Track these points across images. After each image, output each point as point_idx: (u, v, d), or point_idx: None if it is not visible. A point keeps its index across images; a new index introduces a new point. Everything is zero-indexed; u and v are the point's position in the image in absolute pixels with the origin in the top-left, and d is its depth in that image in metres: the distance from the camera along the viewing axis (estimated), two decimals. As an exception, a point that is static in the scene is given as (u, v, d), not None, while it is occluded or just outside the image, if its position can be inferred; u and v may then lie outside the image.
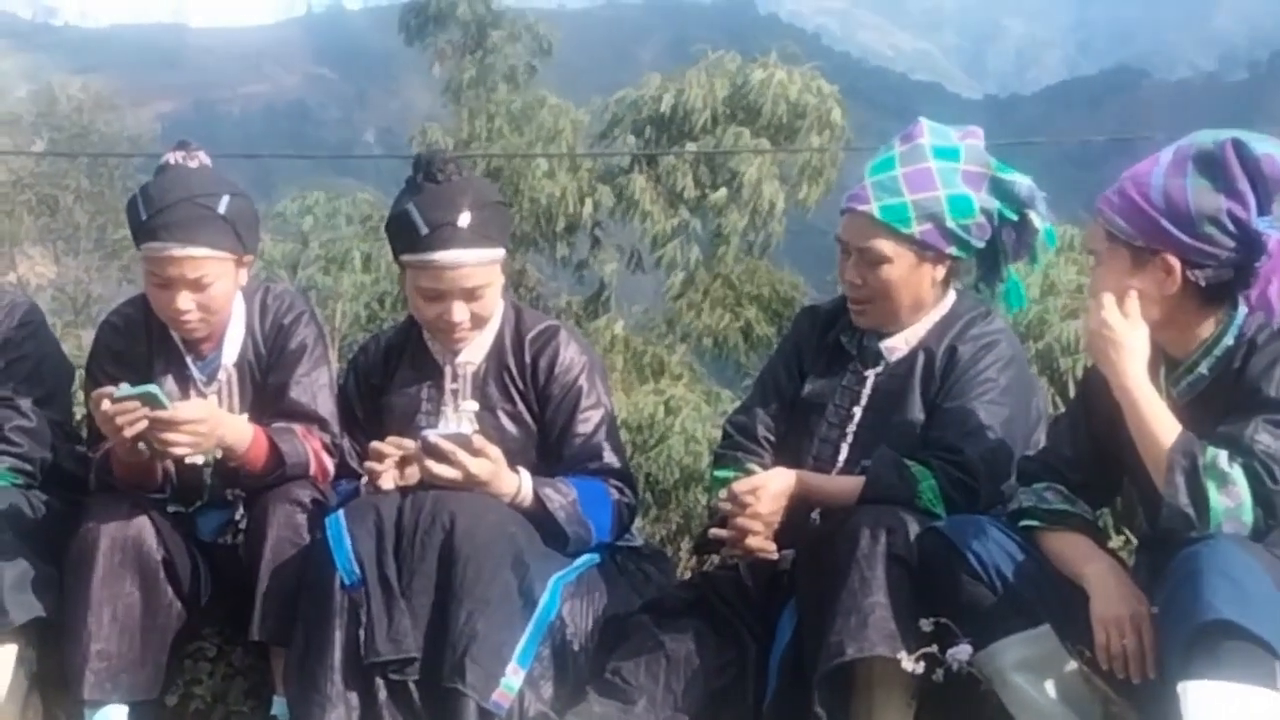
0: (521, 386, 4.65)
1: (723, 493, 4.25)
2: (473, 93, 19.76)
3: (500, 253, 4.58)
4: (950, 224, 4.32)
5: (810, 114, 17.08)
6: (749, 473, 4.32)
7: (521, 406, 4.65)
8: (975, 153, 4.41)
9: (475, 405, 4.61)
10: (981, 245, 4.42)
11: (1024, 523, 3.94)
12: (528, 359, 4.66)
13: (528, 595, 4.23)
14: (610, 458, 4.63)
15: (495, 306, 4.63)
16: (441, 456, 4.30)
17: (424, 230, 4.47)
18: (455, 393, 4.62)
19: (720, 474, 4.51)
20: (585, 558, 4.51)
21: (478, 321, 4.59)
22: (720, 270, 17.32)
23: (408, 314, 4.80)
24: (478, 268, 4.50)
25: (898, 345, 4.43)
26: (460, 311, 4.53)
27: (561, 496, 4.45)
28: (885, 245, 4.31)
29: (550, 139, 18.01)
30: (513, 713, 4.13)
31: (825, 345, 4.57)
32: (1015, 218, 4.42)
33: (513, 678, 4.14)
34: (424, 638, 4.18)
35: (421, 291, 4.55)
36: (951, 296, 4.47)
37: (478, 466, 4.32)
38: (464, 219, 4.46)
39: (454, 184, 4.52)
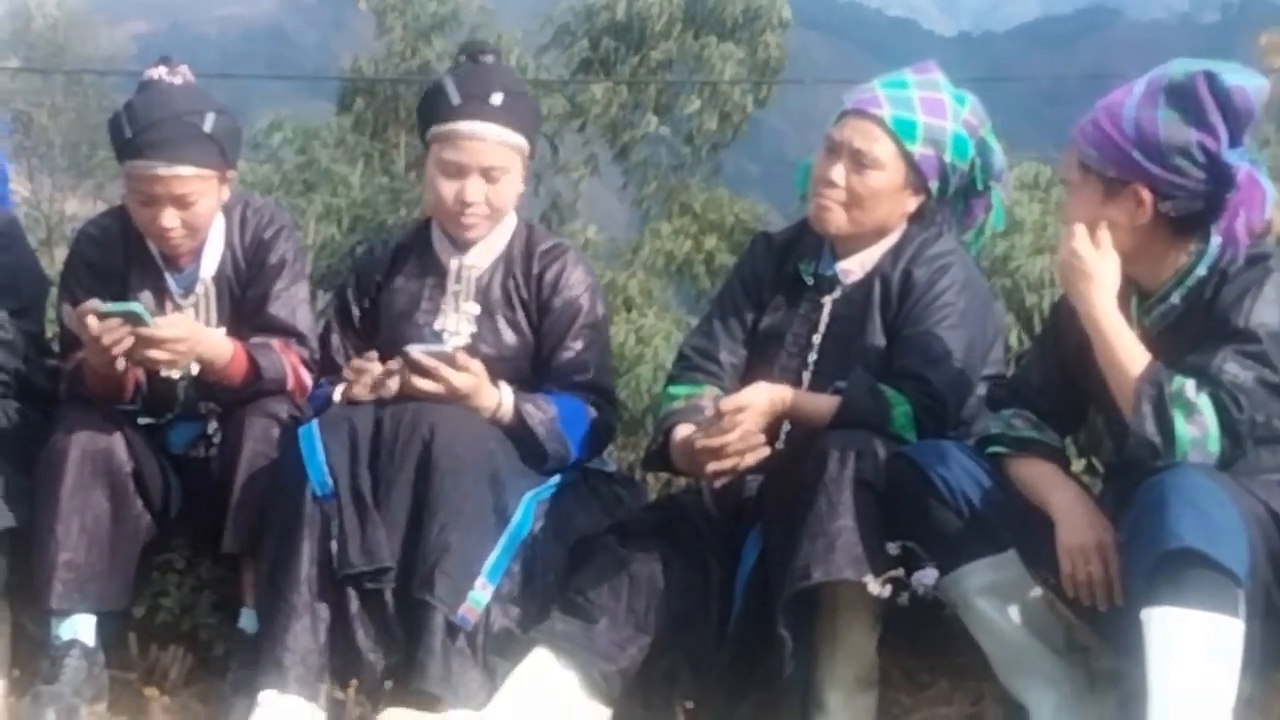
0: (525, 296, 4.67)
1: (708, 407, 4.21)
2: (400, 17, 19.55)
3: (523, 143, 4.62)
4: (947, 158, 4.36)
5: (765, 15, 17.14)
6: (712, 394, 4.33)
7: (521, 315, 4.67)
8: (978, 108, 4.47)
9: (476, 308, 4.64)
10: (948, 195, 4.45)
11: (992, 449, 3.96)
12: (535, 270, 4.67)
13: (501, 511, 4.25)
14: (596, 375, 4.65)
15: (510, 199, 4.64)
16: (424, 371, 4.32)
17: (455, 100, 4.58)
18: (457, 294, 4.64)
19: (674, 390, 4.52)
20: (559, 477, 4.52)
21: (494, 209, 4.60)
22: (683, 192, 17.31)
23: (418, 218, 4.80)
24: (499, 146, 4.55)
25: (852, 269, 4.43)
26: (476, 190, 4.55)
27: (541, 413, 4.46)
28: (886, 154, 4.31)
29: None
30: (479, 628, 4.15)
31: (783, 276, 4.56)
32: (980, 188, 4.50)
33: (481, 592, 4.16)
34: (398, 548, 4.20)
35: (442, 166, 4.58)
36: (904, 223, 4.48)
37: (460, 380, 4.33)
38: (496, 97, 4.55)
39: (492, 66, 4.66)
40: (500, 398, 4.44)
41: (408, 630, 4.17)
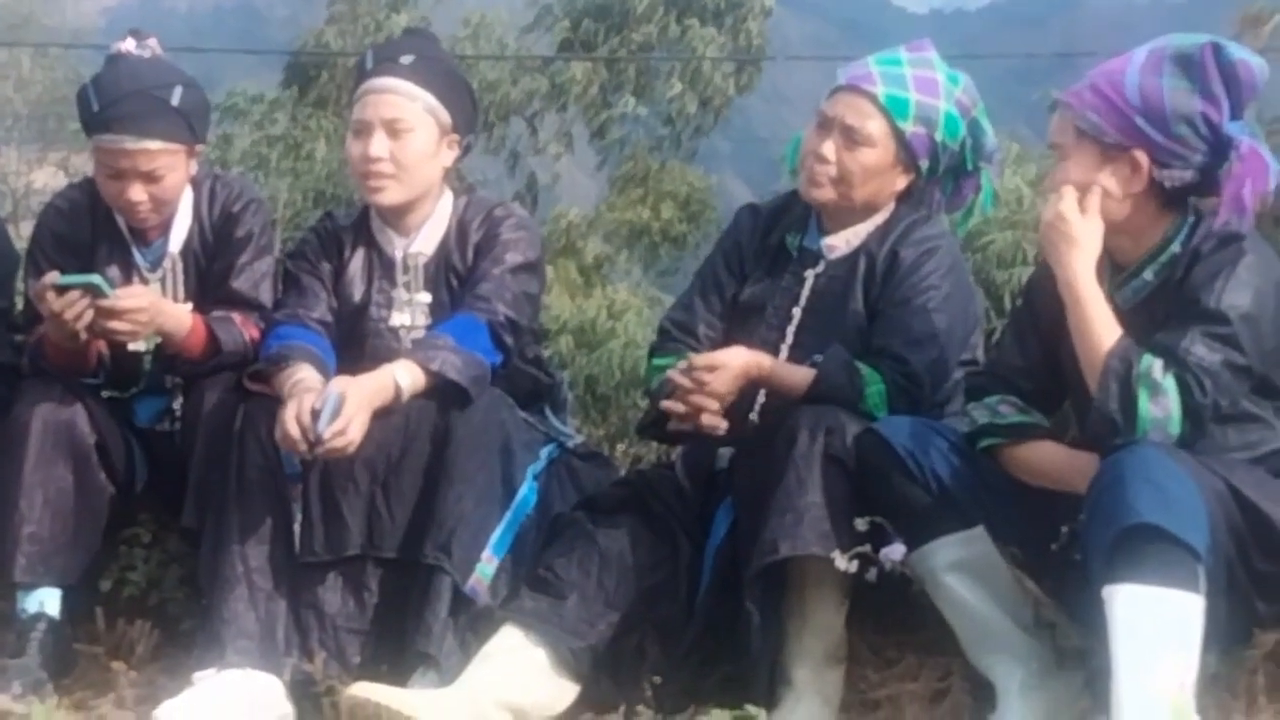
0: (466, 271, 4.58)
1: (680, 364, 4.14)
2: None
3: (434, 103, 4.51)
4: (938, 137, 4.35)
5: (747, 2, 17.24)
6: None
7: None
8: (970, 88, 4.46)
9: (428, 297, 4.58)
10: (938, 174, 4.46)
11: (985, 443, 3.92)
12: (472, 241, 4.59)
13: (509, 484, 4.26)
14: (502, 288, 4.48)
15: (419, 160, 4.51)
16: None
17: (369, 66, 4.57)
18: (408, 285, 4.59)
19: (659, 361, 4.49)
20: (548, 448, 4.52)
21: (400, 168, 4.47)
22: (650, 167, 17.43)
23: (361, 206, 4.74)
24: (402, 100, 4.47)
25: (837, 244, 4.42)
26: (380, 145, 4.44)
27: (443, 352, 4.29)
28: (877, 131, 4.30)
29: (479, 30, 17.97)
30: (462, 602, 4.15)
31: (767, 247, 4.54)
32: (970, 168, 4.49)
33: (487, 565, 4.16)
34: (409, 514, 4.21)
35: (352, 129, 4.56)
36: (893, 201, 4.47)
37: (360, 427, 4.15)
38: (406, 58, 4.52)
39: (413, 36, 4.94)
40: (394, 380, 4.25)
41: (405, 594, 4.17)
